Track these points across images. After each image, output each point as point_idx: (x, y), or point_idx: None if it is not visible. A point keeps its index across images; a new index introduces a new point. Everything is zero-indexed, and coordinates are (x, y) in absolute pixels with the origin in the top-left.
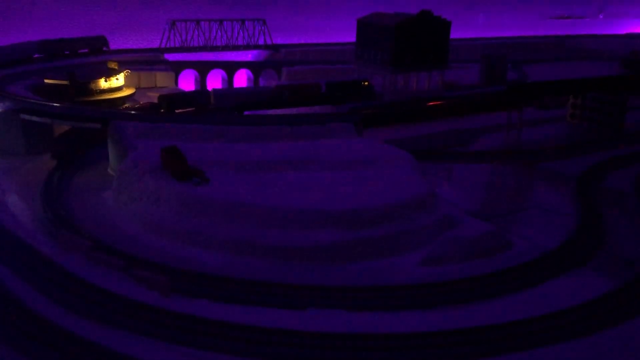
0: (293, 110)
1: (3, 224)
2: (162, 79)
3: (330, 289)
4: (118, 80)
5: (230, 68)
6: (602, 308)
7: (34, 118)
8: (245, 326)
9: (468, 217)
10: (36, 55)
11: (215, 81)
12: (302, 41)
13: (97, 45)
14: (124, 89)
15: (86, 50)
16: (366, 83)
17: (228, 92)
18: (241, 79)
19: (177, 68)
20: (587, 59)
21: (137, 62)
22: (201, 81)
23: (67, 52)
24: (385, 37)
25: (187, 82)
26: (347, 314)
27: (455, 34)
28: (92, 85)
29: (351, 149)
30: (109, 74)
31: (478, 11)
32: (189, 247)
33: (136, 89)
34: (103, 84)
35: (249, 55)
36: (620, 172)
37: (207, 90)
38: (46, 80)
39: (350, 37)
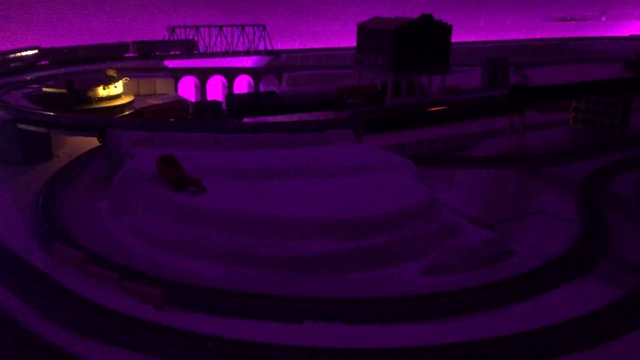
0: (294, 117)
1: None
2: (161, 86)
3: (328, 301)
4: (116, 87)
5: (231, 74)
6: (607, 318)
7: (31, 127)
8: (239, 341)
9: (470, 225)
10: (129, 55)
11: (215, 88)
12: (303, 46)
13: (188, 48)
14: (123, 96)
15: (178, 52)
16: (414, 82)
17: (293, 93)
18: (242, 85)
19: (176, 75)
20: (590, 61)
21: (136, 69)
22: (201, 88)
23: (158, 54)
24: (386, 42)
25: (187, 89)
26: (345, 328)
27: (456, 37)
28: (91, 94)
29: (351, 156)
30: (107, 81)
31: (479, 14)
32: (185, 258)
33: (135, 96)
34: (101, 91)
35: (249, 61)
36: (625, 176)
37: (275, 92)
38: (44, 89)
39: (351, 42)
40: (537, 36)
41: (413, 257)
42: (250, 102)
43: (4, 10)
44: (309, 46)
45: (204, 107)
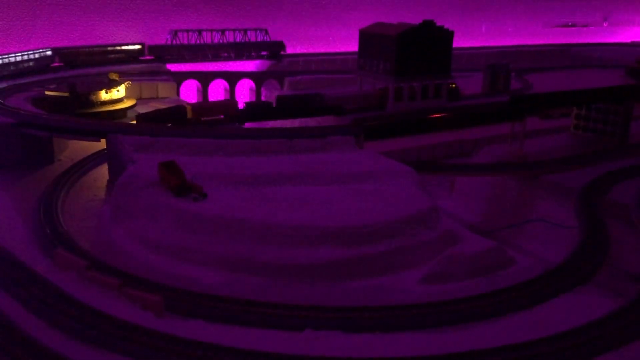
0: (295, 122)
1: None
2: (163, 90)
3: (328, 309)
4: (119, 91)
5: (232, 78)
6: (606, 329)
7: (33, 131)
8: (239, 349)
9: (470, 233)
10: (224, 54)
11: (217, 92)
12: (305, 51)
13: (276, 49)
14: (125, 100)
15: (266, 53)
16: (453, 85)
17: (342, 95)
18: (243, 89)
19: (178, 78)
20: (591, 67)
21: (139, 72)
22: (203, 92)
23: (253, 54)
24: (387, 47)
25: (189, 93)
26: (345, 336)
27: (458, 42)
28: (93, 97)
29: (351, 162)
30: (110, 85)
31: (481, 20)
32: (186, 265)
33: (137, 99)
34: (104, 95)
35: (251, 66)
36: (625, 184)
37: (321, 93)
38: (47, 92)
39: (353, 46)
40: (539, 42)
41: (413, 265)
42: (299, 103)
43: (9, 12)
44: (310, 50)
45: (255, 106)
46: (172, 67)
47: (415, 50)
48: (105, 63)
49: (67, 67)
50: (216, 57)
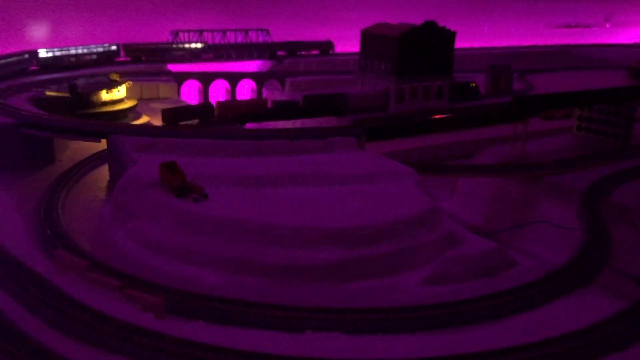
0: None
1: None
2: (164, 90)
3: (329, 311)
4: (120, 92)
5: (233, 79)
6: (609, 330)
7: (34, 132)
8: (239, 350)
9: (471, 234)
10: (280, 53)
11: (218, 92)
12: (306, 51)
13: (325, 48)
14: (126, 100)
15: (317, 52)
16: (473, 84)
17: (364, 94)
18: (244, 89)
19: (179, 79)
20: (593, 68)
21: (140, 73)
22: (204, 92)
23: (302, 53)
24: (389, 48)
25: (190, 93)
26: (346, 337)
27: (460, 43)
28: (94, 98)
29: (352, 163)
30: (110, 85)
31: (483, 20)
32: (186, 266)
33: (138, 100)
34: (105, 95)
35: (252, 66)
36: (628, 186)
37: (345, 93)
38: (47, 93)
39: (354, 47)
40: (541, 43)
41: (414, 267)
42: (322, 102)
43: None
44: (312, 51)
45: (283, 105)
46: (173, 67)
47: (417, 51)
48: (167, 60)
49: (132, 62)
50: (274, 56)
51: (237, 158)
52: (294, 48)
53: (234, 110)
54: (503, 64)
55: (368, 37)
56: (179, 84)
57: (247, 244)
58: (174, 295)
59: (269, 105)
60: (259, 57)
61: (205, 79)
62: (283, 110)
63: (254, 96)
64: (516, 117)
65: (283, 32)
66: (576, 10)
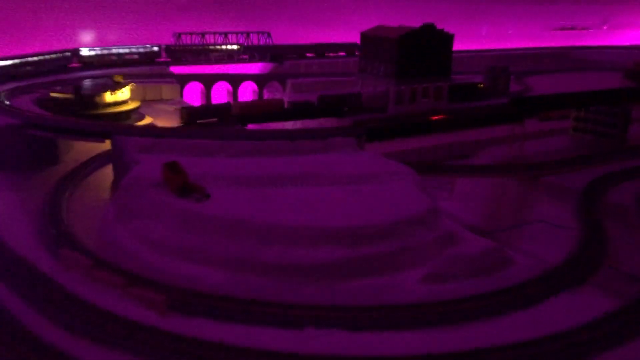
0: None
1: (3, 240)
2: (167, 92)
3: (329, 308)
4: (123, 93)
5: (235, 81)
6: (605, 328)
7: (39, 132)
8: (241, 347)
9: (470, 234)
10: (309, 55)
11: (220, 94)
12: (334, 53)
13: (351, 50)
14: (129, 102)
15: (344, 54)
16: (481, 85)
17: (378, 93)
18: (246, 91)
19: (182, 81)
20: (590, 70)
21: (143, 74)
22: (206, 94)
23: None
24: (389, 50)
25: (192, 95)
26: (346, 334)
27: (458, 45)
28: (98, 99)
29: (352, 163)
30: (114, 87)
31: (481, 23)
32: (189, 264)
33: (141, 101)
34: (108, 97)
35: (253, 68)
36: (624, 186)
37: (360, 93)
38: (52, 94)
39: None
40: (539, 45)
41: (413, 265)
42: (339, 101)
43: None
44: (339, 52)
45: (299, 105)
46: (176, 69)
47: (416, 53)
48: (207, 62)
49: (172, 63)
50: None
51: (238, 158)
52: (322, 50)
53: (251, 110)
54: (501, 66)
55: (368, 39)
56: (182, 86)
57: (248, 243)
58: (176, 293)
59: (285, 105)
60: (273, 60)
61: (208, 81)
62: (299, 110)
63: (255, 97)
64: (514, 118)
65: (284, 34)
66: (573, 12)
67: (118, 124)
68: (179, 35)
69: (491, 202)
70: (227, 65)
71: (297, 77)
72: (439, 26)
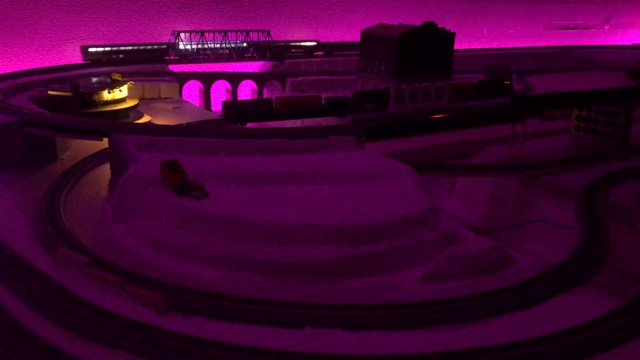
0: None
1: (0, 238)
2: (166, 90)
3: (328, 307)
4: (122, 91)
5: (235, 79)
6: (605, 327)
7: (36, 130)
8: (239, 346)
9: (470, 233)
10: (318, 53)
11: (219, 92)
12: (347, 52)
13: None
14: (128, 100)
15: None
16: (507, 83)
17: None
18: (245, 90)
19: (181, 79)
20: (592, 69)
21: (141, 73)
22: (205, 92)
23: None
24: (389, 48)
25: (191, 93)
26: (345, 334)
27: (459, 44)
28: (96, 97)
29: (352, 162)
30: (112, 85)
31: (483, 22)
32: (187, 262)
33: (140, 100)
34: (107, 95)
35: (253, 67)
36: (626, 186)
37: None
38: (50, 92)
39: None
40: (540, 44)
41: (413, 264)
42: (374, 97)
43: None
44: (351, 52)
45: (335, 102)
46: (175, 67)
47: (417, 52)
48: (287, 57)
49: (259, 59)
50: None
51: (237, 156)
52: (330, 49)
53: (290, 106)
54: (502, 65)
55: (368, 37)
56: (181, 85)
57: (247, 241)
58: (174, 291)
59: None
60: (273, 59)
61: (207, 80)
62: (335, 106)
63: (255, 96)
64: (515, 117)
65: (283, 33)
66: (575, 12)
67: (116, 122)
68: (178, 33)
69: (492, 202)
70: (226, 64)
71: (297, 75)
72: (439, 25)
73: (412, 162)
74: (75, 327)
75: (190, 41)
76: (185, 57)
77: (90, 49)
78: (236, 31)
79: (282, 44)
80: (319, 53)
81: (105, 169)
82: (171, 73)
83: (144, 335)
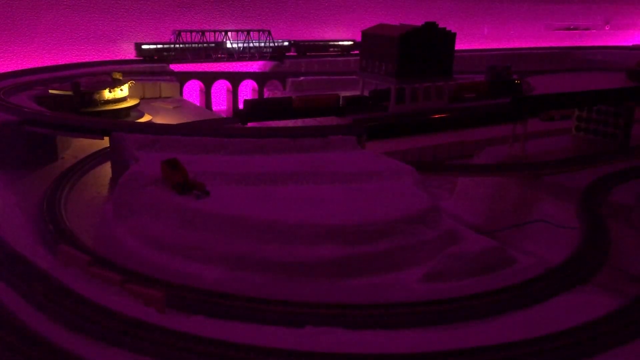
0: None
1: (2, 237)
2: (166, 90)
3: (329, 306)
4: (122, 91)
5: (235, 79)
6: (605, 327)
7: (37, 129)
8: (240, 345)
9: (470, 232)
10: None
11: (220, 92)
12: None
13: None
14: (128, 99)
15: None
16: (518, 81)
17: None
18: (246, 89)
19: (182, 79)
20: (593, 70)
21: (142, 72)
22: (206, 92)
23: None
24: (390, 48)
25: (192, 93)
26: (346, 333)
27: (460, 45)
28: (96, 96)
29: (353, 162)
30: (113, 84)
31: (483, 22)
32: (188, 261)
33: (140, 99)
34: (107, 94)
35: (254, 66)
36: (626, 186)
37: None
38: (50, 91)
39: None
40: (541, 44)
41: (414, 264)
42: (389, 95)
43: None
44: (313, 52)
45: (352, 100)
46: (175, 67)
47: (418, 52)
48: (325, 56)
49: (299, 56)
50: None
51: (238, 156)
52: (347, 48)
53: (310, 104)
54: (503, 65)
55: (369, 37)
56: (181, 84)
57: (248, 240)
58: (175, 290)
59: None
60: (274, 58)
61: (207, 79)
62: (354, 104)
63: (256, 96)
64: (515, 117)
65: (284, 33)
66: (576, 12)
67: (117, 121)
68: (179, 32)
69: (492, 202)
70: (226, 64)
71: (298, 75)
72: (440, 25)
73: (412, 162)
74: (76, 326)
75: (237, 39)
76: (232, 55)
77: (144, 46)
78: (237, 31)
79: (320, 43)
80: (292, 54)
81: (106, 168)
82: (172, 72)
83: (145, 333)
